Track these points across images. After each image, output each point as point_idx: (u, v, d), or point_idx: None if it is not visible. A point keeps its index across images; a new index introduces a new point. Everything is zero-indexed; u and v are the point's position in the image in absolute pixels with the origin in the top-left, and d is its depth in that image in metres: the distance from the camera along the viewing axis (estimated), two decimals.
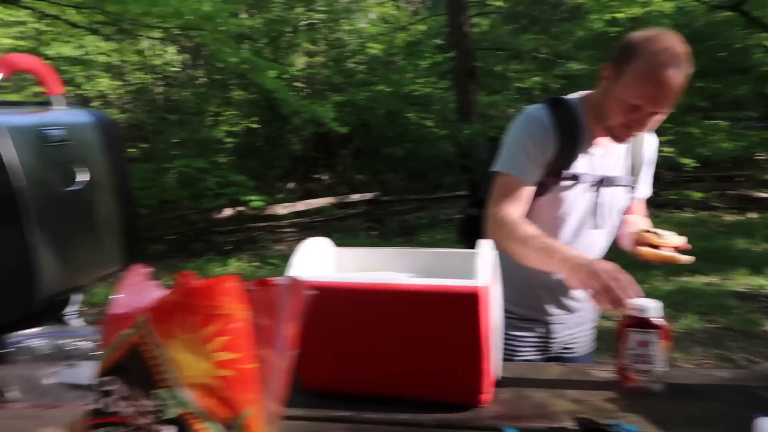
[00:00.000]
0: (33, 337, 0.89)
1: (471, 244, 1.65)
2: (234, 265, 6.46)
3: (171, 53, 11.01)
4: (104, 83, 10.28)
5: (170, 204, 7.89)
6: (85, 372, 0.93)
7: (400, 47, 11.36)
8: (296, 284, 0.65)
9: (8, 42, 9.73)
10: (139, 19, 6.02)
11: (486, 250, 1.05)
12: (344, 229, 8.04)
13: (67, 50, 10.00)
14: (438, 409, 1.00)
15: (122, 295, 0.63)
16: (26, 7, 6.16)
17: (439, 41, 11.13)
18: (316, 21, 10.81)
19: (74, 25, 6.47)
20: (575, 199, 1.42)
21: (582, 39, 11.49)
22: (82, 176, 0.97)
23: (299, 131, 10.17)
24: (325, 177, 10.92)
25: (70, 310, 1.17)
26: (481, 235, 1.62)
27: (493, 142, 1.51)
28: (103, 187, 1.02)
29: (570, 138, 1.37)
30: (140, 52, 10.44)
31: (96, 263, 1.03)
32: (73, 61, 8.86)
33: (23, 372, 0.89)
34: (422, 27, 12.35)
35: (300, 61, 11.03)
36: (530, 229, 1.32)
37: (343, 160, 10.73)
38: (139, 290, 0.64)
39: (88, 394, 0.90)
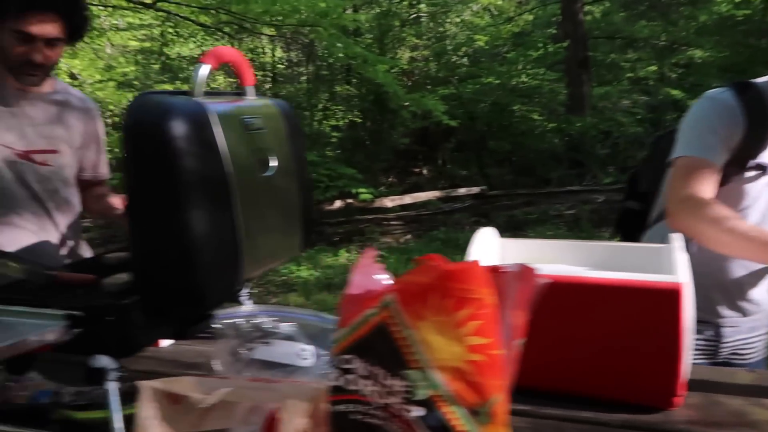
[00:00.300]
0: (236, 316, 0.94)
1: (628, 238, 1.57)
2: (344, 256, 6.61)
3: (279, 50, 11.45)
4: (219, 80, 10.89)
5: None
6: (279, 350, 0.97)
7: (506, 38, 11.11)
8: (526, 272, 0.63)
9: (135, 44, 10.53)
10: (260, 17, 6.31)
11: (679, 244, 0.99)
12: (450, 223, 8.00)
13: (186, 50, 10.68)
14: (623, 409, 0.95)
15: (359, 276, 0.64)
16: (161, 10, 6.62)
17: (552, 31, 10.76)
18: (422, 14, 10.82)
19: (202, 25, 6.88)
20: (760, 192, 1.30)
21: (705, 24, 10.69)
22: (273, 163, 1.01)
23: (405, 125, 10.23)
24: (425, 171, 10.91)
25: (245, 291, 1.23)
26: (640, 229, 1.54)
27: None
28: (288, 174, 1.06)
29: (759, 124, 1.25)
30: (252, 50, 10.94)
31: (282, 249, 1.07)
32: (192, 60, 9.47)
33: (226, 347, 0.94)
34: (529, 17, 12.01)
35: (405, 56, 11.10)
36: (729, 212, 1.19)
37: (444, 153, 10.68)
38: (371, 272, 0.65)
39: (282, 371, 0.94)
